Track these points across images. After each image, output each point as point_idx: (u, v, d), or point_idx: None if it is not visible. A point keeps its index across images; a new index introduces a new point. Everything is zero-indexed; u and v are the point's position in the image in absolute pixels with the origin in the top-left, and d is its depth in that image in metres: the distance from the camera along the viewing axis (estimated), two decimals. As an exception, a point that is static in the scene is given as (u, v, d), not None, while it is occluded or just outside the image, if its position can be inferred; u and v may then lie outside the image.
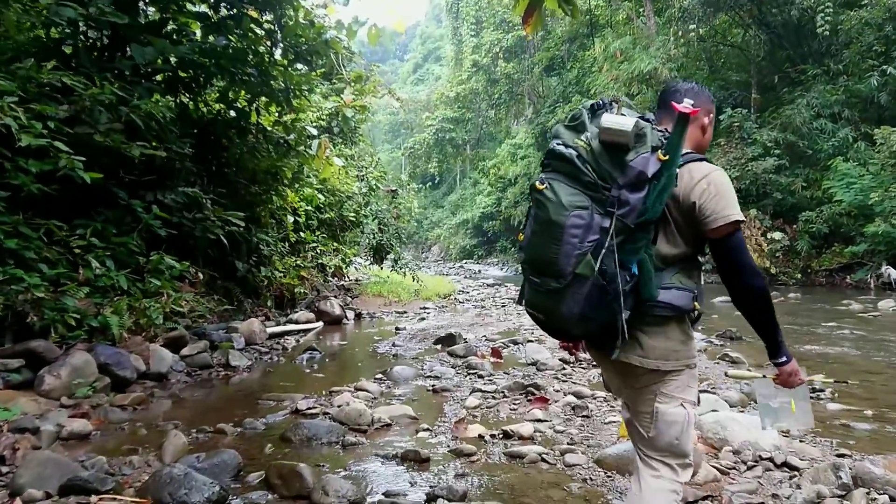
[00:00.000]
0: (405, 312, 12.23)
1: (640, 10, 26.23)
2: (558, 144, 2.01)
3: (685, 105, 1.92)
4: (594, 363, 5.05)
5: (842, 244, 18.80)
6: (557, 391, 5.29)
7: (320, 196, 10.92)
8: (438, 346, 7.92)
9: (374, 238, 14.37)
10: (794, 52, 22.99)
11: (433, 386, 5.67)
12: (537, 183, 2.01)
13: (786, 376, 2.20)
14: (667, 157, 1.88)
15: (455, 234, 50.32)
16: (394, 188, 14.63)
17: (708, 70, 25.50)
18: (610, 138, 1.89)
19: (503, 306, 13.38)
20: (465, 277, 27.42)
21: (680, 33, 20.95)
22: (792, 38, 23.05)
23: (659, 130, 1.94)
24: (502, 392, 5.30)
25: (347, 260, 14.33)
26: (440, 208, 59.87)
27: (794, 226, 19.98)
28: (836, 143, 19.18)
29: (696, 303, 2.11)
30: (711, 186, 2.02)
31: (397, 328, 9.82)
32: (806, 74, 21.20)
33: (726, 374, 4.51)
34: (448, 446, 4.00)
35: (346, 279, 14.99)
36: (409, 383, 5.89)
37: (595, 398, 5.03)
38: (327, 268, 14.15)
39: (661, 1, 24.77)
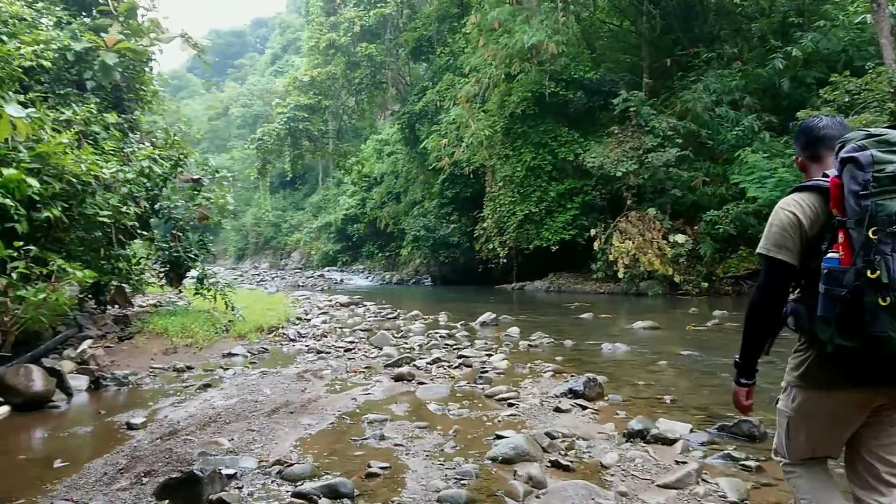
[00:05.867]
0: (188, 369, 7.40)
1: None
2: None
3: None
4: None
5: (748, 247, 16.46)
6: None
7: (31, 182, 6.11)
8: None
9: (168, 250, 9.89)
10: (682, 35, 20.81)
11: None
12: None
13: None
14: None
15: (317, 239, 45.84)
16: (196, 176, 10.05)
17: (590, 51, 22.95)
18: None
19: (350, 349, 8.85)
20: (321, 290, 23.25)
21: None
22: (681, 19, 20.86)
23: None
24: None
25: (136, 279, 9.74)
26: (300, 210, 55.16)
27: (696, 227, 17.55)
28: (740, 132, 16.84)
29: None
30: None
31: (130, 425, 5.02)
32: (699, 58, 18.92)
33: None
34: None
35: (131, 307, 10.39)
36: None
37: None
38: (107, 289, 9.57)
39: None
